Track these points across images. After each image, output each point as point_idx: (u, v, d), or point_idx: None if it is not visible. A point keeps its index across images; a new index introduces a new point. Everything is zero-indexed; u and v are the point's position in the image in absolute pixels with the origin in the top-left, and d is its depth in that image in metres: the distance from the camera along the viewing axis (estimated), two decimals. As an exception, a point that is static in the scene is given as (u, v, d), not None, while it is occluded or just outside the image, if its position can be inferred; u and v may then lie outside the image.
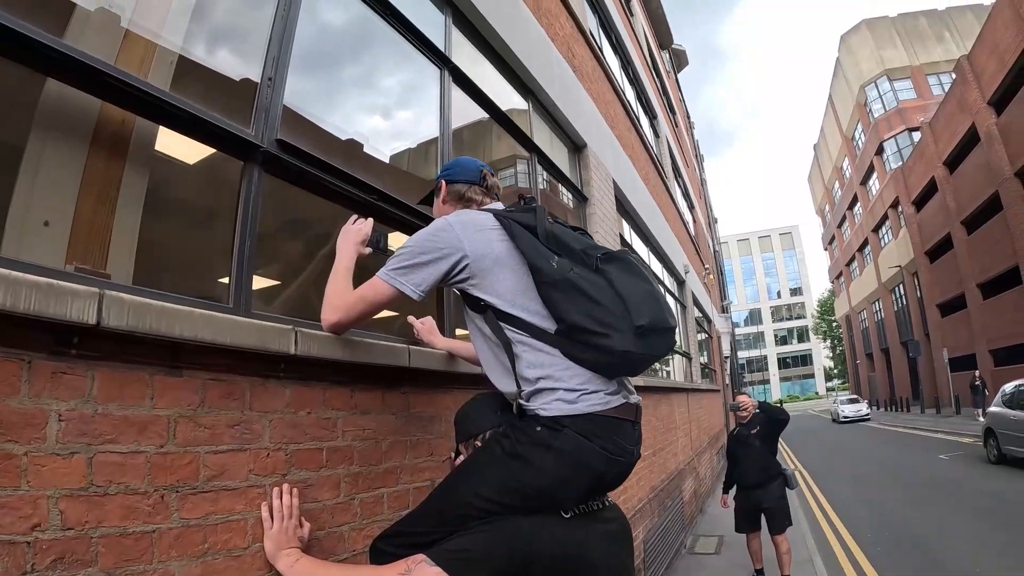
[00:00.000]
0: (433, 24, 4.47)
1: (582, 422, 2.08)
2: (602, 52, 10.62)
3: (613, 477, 2.19)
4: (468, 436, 2.45)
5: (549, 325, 2.16)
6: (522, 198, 2.48)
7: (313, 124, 3.35)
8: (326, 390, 2.48)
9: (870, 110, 50.78)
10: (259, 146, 2.55)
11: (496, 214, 2.33)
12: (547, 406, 2.11)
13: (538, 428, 2.09)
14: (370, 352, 2.63)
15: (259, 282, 2.63)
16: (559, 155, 7.15)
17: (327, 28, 3.62)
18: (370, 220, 2.69)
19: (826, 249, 77.78)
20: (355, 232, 2.60)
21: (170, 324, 1.82)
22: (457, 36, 4.83)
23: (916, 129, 43.54)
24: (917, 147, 41.69)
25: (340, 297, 2.34)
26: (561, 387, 2.11)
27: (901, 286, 48.65)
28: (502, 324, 2.21)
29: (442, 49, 4.45)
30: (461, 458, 2.58)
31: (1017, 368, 27.09)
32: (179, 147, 2.50)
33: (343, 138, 3.76)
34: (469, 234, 2.24)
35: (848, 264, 65.80)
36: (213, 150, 2.47)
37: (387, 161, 4.41)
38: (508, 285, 2.21)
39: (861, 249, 59.75)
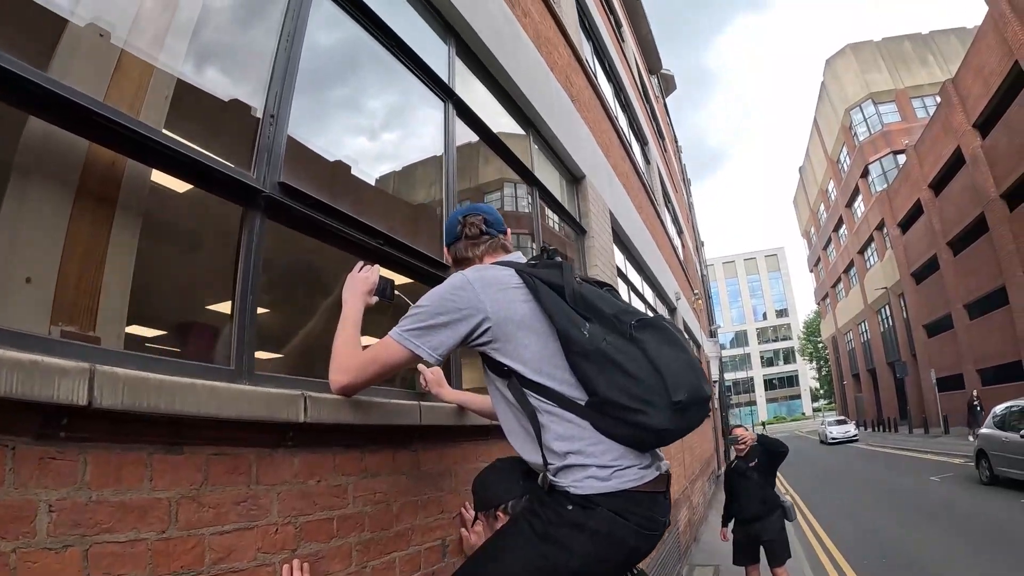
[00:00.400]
0: (436, 55, 4.33)
1: (616, 500, 1.94)
2: (597, 80, 10.56)
3: (647, 550, 2.06)
4: (489, 506, 2.29)
5: (579, 395, 2.02)
6: (545, 251, 2.33)
7: (315, 157, 3.18)
8: (336, 455, 2.31)
9: (855, 133, 51.14)
10: (261, 191, 2.37)
11: (519, 270, 2.17)
12: (578, 484, 1.96)
13: (569, 507, 1.94)
14: (382, 413, 2.46)
15: (261, 337, 2.44)
16: (558, 187, 7.03)
17: (331, 61, 3.46)
18: (376, 267, 2.52)
19: (812, 271, 78.15)
20: (361, 281, 2.43)
21: (170, 399, 1.64)
22: (460, 67, 4.69)
23: (901, 152, 43.80)
24: (902, 170, 41.99)
25: (350, 357, 2.17)
26: (593, 463, 1.96)
27: (887, 307, 48.84)
28: (527, 392, 2.05)
29: (446, 80, 4.30)
30: (479, 525, 2.41)
31: (1005, 388, 27.09)
32: (174, 193, 2.32)
33: (341, 168, 3.59)
34: (490, 293, 2.09)
35: (834, 286, 66.10)
36: (210, 195, 2.29)
37: (388, 191, 4.23)
38: (534, 350, 2.06)
39: (847, 271, 60.03)
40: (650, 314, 2.26)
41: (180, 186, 2.25)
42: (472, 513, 2.91)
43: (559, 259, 2.23)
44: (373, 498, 2.47)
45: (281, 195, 2.47)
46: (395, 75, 3.86)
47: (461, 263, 2.42)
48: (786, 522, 8.19)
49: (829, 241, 65.22)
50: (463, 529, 2.96)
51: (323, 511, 2.21)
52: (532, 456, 2.10)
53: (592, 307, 2.05)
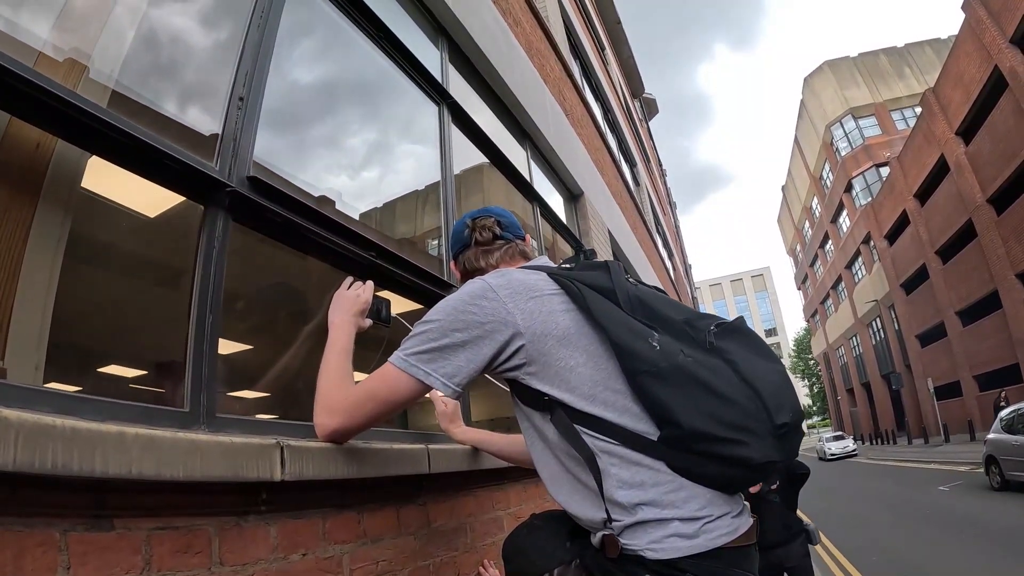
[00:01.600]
0: (429, 58, 3.89)
1: (707, 562, 1.44)
2: (587, 97, 10.19)
3: None
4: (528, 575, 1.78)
5: (646, 428, 1.52)
6: (580, 252, 1.86)
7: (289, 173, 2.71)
8: (326, 519, 1.78)
9: (837, 149, 50.92)
10: (226, 184, 1.88)
11: (552, 274, 1.69)
12: (657, 546, 1.45)
13: None
14: (381, 461, 1.93)
15: (227, 370, 1.94)
16: (557, 204, 6.59)
17: (306, 47, 3.00)
18: (370, 284, 2.04)
19: (799, 288, 77.72)
20: (351, 300, 1.94)
21: (87, 454, 1.13)
22: (454, 73, 4.26)
23: (884, 165, 43.70)
24: (886, 182, 41.75)
25: (339, 393, 1.67)
26: (674, 516, 1.46)
27: (878, 319, 48.41)
28: (579, 428, 1.54)
29: (439, 80, 3.85)
30: None
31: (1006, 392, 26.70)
32: (116, 187, 1.84)
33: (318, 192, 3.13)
34: (520, 302, 1.59)
35: (823, 302, 65.61)
36: (161, 190, 1.80)
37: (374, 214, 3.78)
38: (584, 373, 1.56)
39: (835, 286, 59.56)
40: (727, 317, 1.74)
41: (124, 179, 1.77)
42: (492, 573, 2.43)
43: (606, 260, 1.76)
44: (375, 569, 1.94)
45: (250, 191, 1.98)
46: (385, 74, 3.42)
47: (472, 276, 1.89)
48: (809, 546, 7.69)
49: (816, 258, 64.82)
50: None
51: (312, 592, 1.69)
52: (588, 511, 1.57)
53: (655, 313, 1.59)
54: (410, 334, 1.62)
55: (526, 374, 1.59)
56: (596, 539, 1.57)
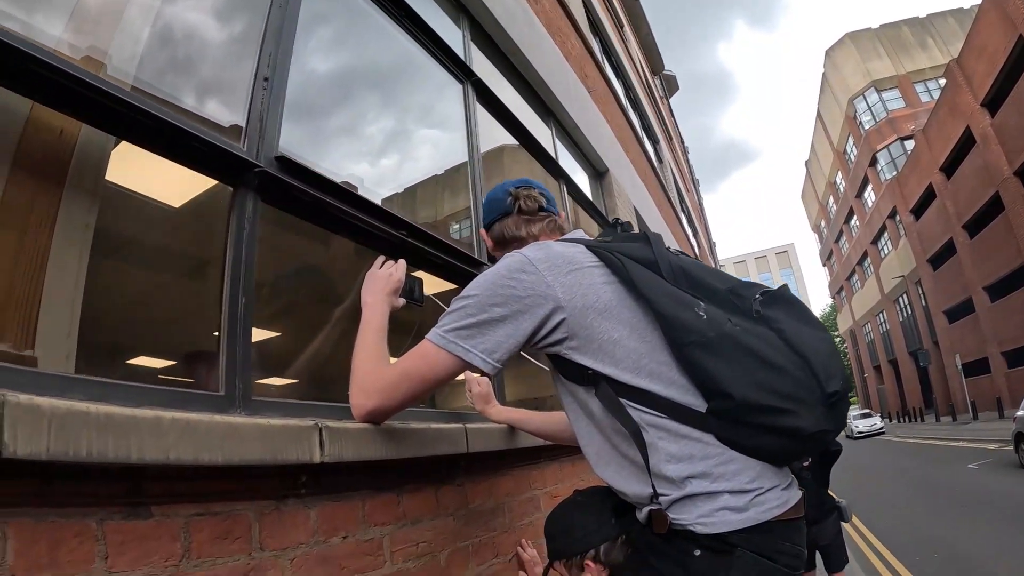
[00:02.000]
0: (452, 39, 3.80)
1: (758, 536, 1.40)
2: (608, 74, 10.06)
3: None
4: (571, 553, 1.74)
5: (694, 400, 1.47)
6: (616, 224, 1.81)
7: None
8: (365, 501, 1.75)
9: (860, 122, 50.18)
10: (254, 164, 1.84)
11: (590, 246, 1.64)
12: (707, 520, 1.40)
13: (697, 552, 1.41)
14: (419, 441, 1.88)
15: (260, 354, 1.90)
16: (583, 183, 6.50)
17: (326, 30, 2.94)
18: (402, 262, 1.99)
19: (824, 265, 76.84)
20: (383, 279, 1.89)
21: (122, 441, 1.09)
22: (477, 53, 4.19)
23: (908, 138, 42.97)
24: (911, 155, 41.01)
25: (375, 373, 1.63)
26: (724, 489, 1.42)
27: (905, 296, 47.74)
28: (624, 402, 1.49)
29: (462, 58, 3.79)
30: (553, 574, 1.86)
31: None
32: (140, 177, 1.80)
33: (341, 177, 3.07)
34: (560, 276, 1.54)
35: (848, 278, 64.82)
36: (189, 172, 1.76)
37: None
38: (628, 346, 1.51)
39: (861, 262, 58.79)
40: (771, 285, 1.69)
41: (148, 169, 1.73)
42: (530, 553, 2.39)
43: (645, 232, 1.72)
44: (416, 550, 1.91)
45: (279, 171, 1.93)
46: (407, 54, 3.35)
47: (507, 245, 1.86)
48: (842, 524, 7.61)
49: (840, 234, 63.99)
50: (522, 573, 2.43)
51: None
52: (635, 486, 1.53)
53: (699, 283, 1.56)
54: (447, 310, 1.57)
55: (568, 348, 1.54)
56: (642, 515, 1.54)
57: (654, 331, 1.50)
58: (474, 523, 2.27)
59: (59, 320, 1.52)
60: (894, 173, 44.82)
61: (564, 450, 3.05)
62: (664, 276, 1.54)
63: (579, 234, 1.82)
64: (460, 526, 2.17)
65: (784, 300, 1.57)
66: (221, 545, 1.32)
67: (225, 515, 1.34)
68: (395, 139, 3.91)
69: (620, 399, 1.49)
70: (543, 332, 1.53)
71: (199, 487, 1.29)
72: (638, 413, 1.47)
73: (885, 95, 48.02)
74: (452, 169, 3.75)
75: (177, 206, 2.29)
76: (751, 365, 1.41)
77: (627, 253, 1.58)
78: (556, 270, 1.55)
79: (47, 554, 1.03)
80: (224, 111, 2.10)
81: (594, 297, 1.53)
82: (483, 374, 1.57)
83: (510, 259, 1.59)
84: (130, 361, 2.26)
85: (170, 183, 2.09)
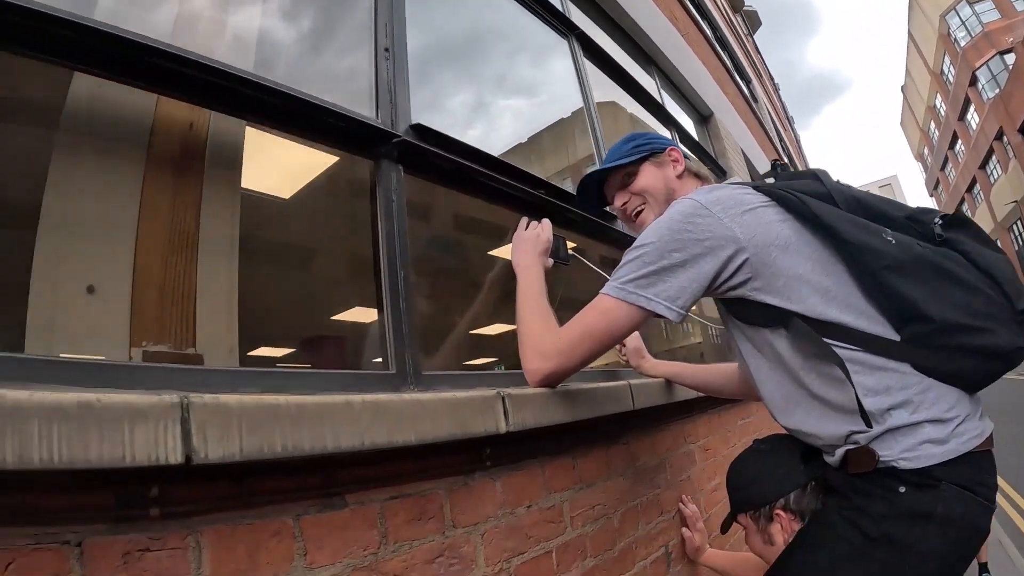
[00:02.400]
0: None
1: (960, 468, 1.36)
2: (695, 16, 9.69)
3: (987, 533, 1.45)
4: (761, 503, 1.65)
5: (885, 330, 1.43)
6: (776, 165, 1.74)
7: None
8: (544, 467, 1.65)
9: (955, 39, 46.50)
10: (393, 135, 1.74)
11: (757, 187, 1.56)
12: (910, 454, 1.36)
13: (902, 489, 1.37)
14: (590, 402, 1.75)
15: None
16: (689, 128, 6.23)
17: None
18: (547, 222, 1.88)
19: (932, 195, 72.37)
20: (532, 241, 1.80)
21: (317, 430, 1.00)
22: (573, 8, 4.02)
23: (1008, 51, 39.72)
24: (1013, 70, 37.65)
25: (550, 335, 1.53)
26: (925, 418, 1.37)
27: (1019, 223, 44.59)
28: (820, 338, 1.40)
29: (562, 11, 3.64)
30: (748, 533, 1.76)
31: None
32: (280, 155, 1.74)
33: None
34: (736, 216, 1.44)
35: (958, 207, 61.05)
36: (326, 155, 1.69)
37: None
38: (813, 280, 1.44)
39: (970, 189, 54.48)
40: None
41: (286, 147, 1.67)
42: (692, 508, 2.30)
43: (813, 169, 1.64)
44: (592, 514, 1.81)
45: (417, 139, 1.83)
46: (508, 13, 3.23)
47: (695, 179, 1.87)
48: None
49: (946, 160, 59.91)
50: (684, 529, 2.34)
51: (539, 544, 1.56)
52: (830, 426, 1.47)
53: (877, 211, 1.51)
54: (621, 262, 1.47)
55: (752, 290, 1.45)
56: (836, 457, 1.48)
57: (837, 263, 1.46)
58: (641, 481, 2.15)
59: (216, 315, 1.48)
60: (996, 91, 41.73)
61: (714, 402, 2.91)
62: (840, 207, 1.47)
63: (736, 179, 1.78)
64: (630, 485, 2.07)
65: (963, 223, 1.52)
66: (417, 527, 1.24)
67: (418, 496, 1.26)
68: (509, 100, 3.81)
69: (815, 335, 1.40)
70: (726, 274, 1.43)
71: (388, 469, 1.21)
72: (833, 348, 1.39)
73: (978, 7, 44.08)
74: (557, 125, 3.65)
75: (287, 197, 2.25)
76: (946, 286, 1.38)
77: (800, 189, 1.50)
78: (731, 211, 1.45)
79: (246, 558, 0.96)
80: (350, 86, 2.02)
81: (774, 234, 1.44)
82: (668, 322, 1.47)
83: (680, 205, 1.49)
84: (287, 350, 2.24)
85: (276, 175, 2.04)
